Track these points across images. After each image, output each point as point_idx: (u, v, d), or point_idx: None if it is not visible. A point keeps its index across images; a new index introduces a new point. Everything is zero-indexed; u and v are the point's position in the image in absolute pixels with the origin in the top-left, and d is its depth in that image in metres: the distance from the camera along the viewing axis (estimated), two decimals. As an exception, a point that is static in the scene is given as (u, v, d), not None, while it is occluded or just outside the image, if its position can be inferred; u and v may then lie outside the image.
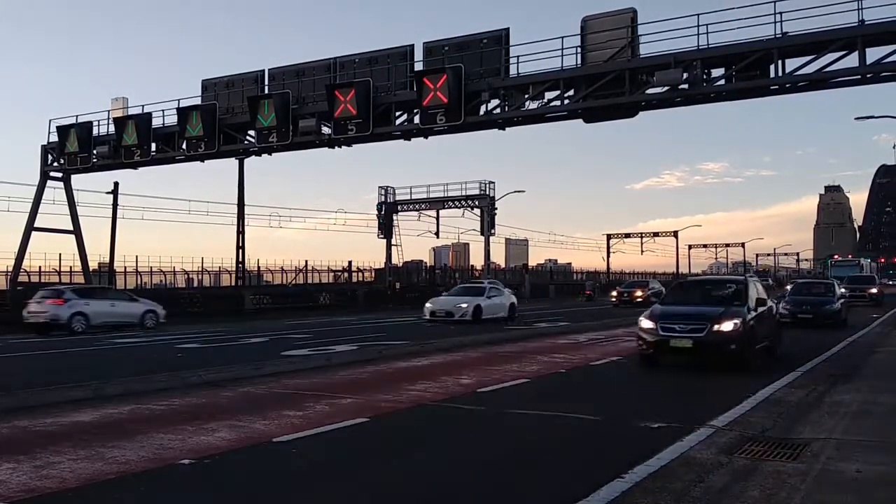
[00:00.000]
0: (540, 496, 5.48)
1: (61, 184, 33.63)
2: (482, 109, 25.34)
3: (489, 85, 24.51)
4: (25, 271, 35.74)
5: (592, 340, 18.83)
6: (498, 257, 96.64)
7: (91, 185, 70.38)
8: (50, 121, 32.64)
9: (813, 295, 24.17)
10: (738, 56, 21.82)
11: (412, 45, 26.13)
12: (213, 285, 47.88)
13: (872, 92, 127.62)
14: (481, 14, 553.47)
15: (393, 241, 51.29)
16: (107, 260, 35.55)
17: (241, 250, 36.19)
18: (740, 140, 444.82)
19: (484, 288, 28.53)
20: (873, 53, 20.61)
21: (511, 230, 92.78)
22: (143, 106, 30.72)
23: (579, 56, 23.56)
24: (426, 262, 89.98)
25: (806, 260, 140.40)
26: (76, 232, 34.49)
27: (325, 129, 27.25)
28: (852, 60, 20.78)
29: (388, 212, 51.14)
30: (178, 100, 31.77)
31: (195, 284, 48.03)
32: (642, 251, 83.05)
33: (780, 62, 21.47)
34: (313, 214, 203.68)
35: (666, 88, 22.83)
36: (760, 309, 13.01)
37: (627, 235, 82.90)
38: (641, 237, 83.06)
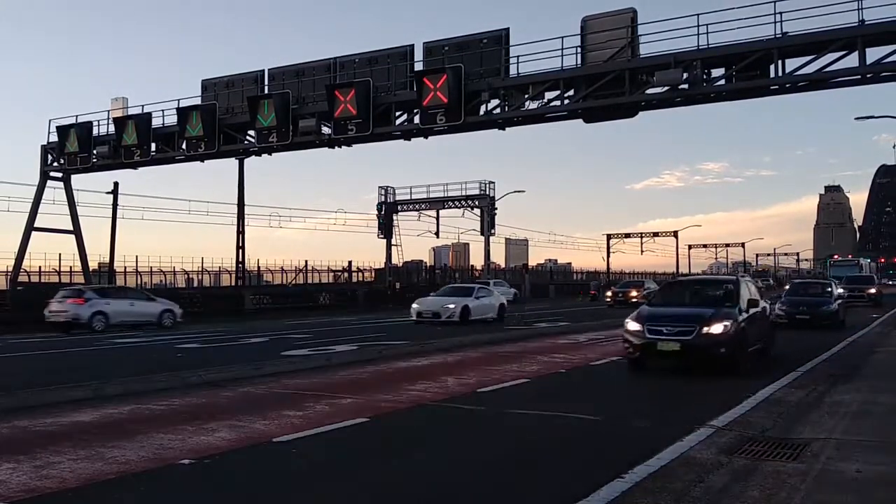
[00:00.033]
0: (540, 496, 5.48)
1: (61, 184, 33.69)
2: (482, 109, 25.37)
3: (489, 85, 24.53)
4: (25, 271, 35.77)
5: (592, 340, 18.83)
6: (498, 257, 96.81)
7: (91, 185, 70.73)
8: (50, 121, 32.78)
9: (810, 295, 23.86)
10: (738, 56, 21.84)
11: (412, 45, 26.17)
12: (213, 285, 47.93)
13: (872, 92, 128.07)
14: (481, 14, 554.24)
15: (393, 241, 51.42)
16: (107, 260, 35.54)
17: (241, 250, 36.22)
18: (740, 140, 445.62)
19: (472, 288, 28.27)
20: (873, 53, 20.69)
21: (511, 230, 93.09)
22: (143, 106, 30.90)
23: (579, 56, 23.60)
24: (426, 262, 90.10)
25: (806, 260, 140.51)
26: (76, 232, 34.53)
27: (325, 129, 27.27)
28: (852, 60, 20.82)
29: (388, 212, 51.20)
30: (178, 100, 31.92)
31: (195, 284, 48.08)
32: (642, 251, 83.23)
33: (780, 62, 21.50)
34: (313, 214, 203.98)
35: (666, 88, 22.86)
36: (752, 310, 12.39)
37: (627, 235, 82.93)
38: (641, 237, 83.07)
